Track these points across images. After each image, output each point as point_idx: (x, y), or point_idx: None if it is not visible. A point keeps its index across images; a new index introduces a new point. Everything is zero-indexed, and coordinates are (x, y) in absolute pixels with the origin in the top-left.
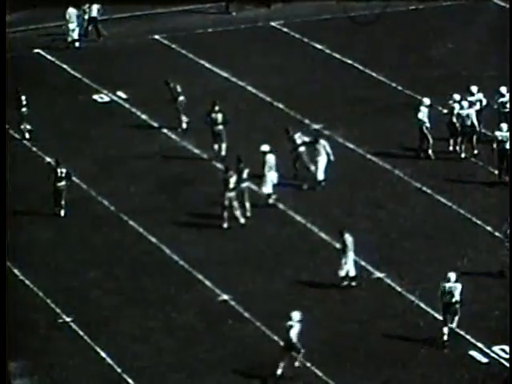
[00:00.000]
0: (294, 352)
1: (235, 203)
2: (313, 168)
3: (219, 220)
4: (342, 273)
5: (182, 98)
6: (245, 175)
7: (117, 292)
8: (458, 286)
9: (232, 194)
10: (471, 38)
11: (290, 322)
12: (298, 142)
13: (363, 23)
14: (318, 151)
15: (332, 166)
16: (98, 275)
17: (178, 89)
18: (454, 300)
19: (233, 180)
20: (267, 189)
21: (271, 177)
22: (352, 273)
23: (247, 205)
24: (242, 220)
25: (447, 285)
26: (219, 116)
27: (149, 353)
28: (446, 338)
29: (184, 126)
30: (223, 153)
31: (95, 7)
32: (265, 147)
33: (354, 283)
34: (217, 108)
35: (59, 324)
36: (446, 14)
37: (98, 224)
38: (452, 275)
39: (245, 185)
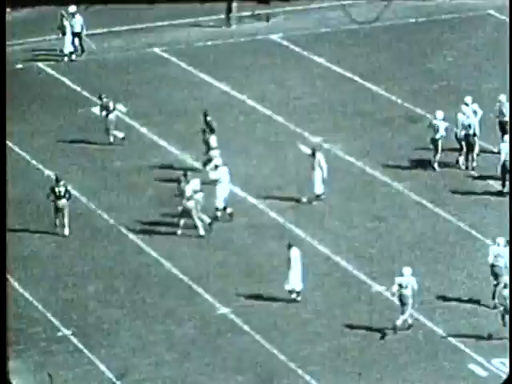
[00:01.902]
0: (404, 307)
1: (194, 212)
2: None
3: (217, 233)
4: (288, 286)
5: (112, 115)
6: (194, 187)
7: (116, 305)
8: (505, 251)
9: (190, 204)
10: (471, 51)
11: (401, 279)
12: (213, 146)
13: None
14: (313, 165)
15: (331, 179)
16: (98, 288)
17: (111, 106)
18: (499, 264)
19: (189, 188)
20: (219, 203)
21: (224, 190)
22: (298, 287)
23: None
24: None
25: (495, 249)
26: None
27: (148, 366)
28: (496, 299)
29: (111, 139)
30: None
31: (78, 22)
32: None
33: (298, 298)
34: (208, 118)
35: (59, 337)
36: (446, 26)
37: (98, 237)
38: (501, 240)
39: (195, 196)
